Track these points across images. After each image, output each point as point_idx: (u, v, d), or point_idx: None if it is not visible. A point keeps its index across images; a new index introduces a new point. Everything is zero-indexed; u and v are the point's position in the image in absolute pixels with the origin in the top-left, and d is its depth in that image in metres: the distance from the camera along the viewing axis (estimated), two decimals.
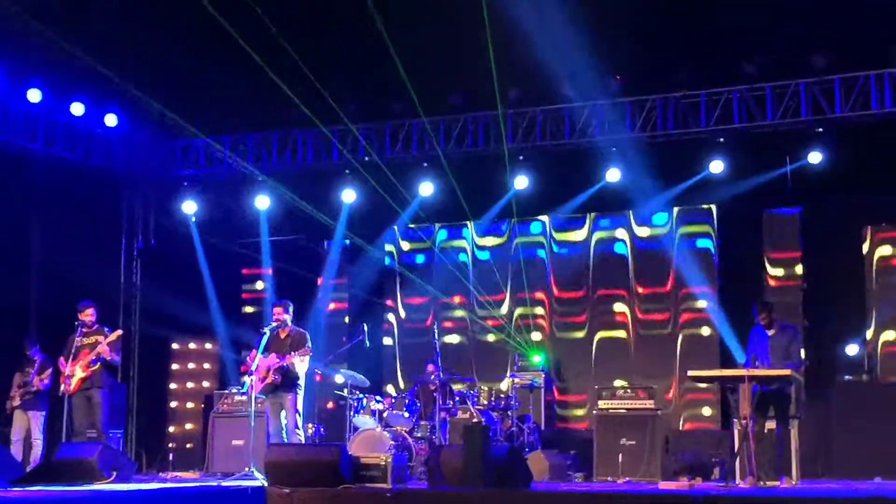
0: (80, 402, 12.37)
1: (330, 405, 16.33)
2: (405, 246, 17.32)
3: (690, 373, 11.50)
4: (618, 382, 14.36)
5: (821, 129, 14.04)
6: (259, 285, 17.74)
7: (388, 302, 17.29)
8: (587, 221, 16.30)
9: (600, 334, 16.06)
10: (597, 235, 16.27)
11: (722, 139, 14.53)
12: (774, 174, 14.49)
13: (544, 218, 16.47)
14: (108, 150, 16.38)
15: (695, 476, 11.69)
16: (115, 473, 10.14)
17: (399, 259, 17.28)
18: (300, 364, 11.88)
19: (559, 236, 16.46)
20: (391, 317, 17.30)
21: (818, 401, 13.48)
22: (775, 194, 14.70)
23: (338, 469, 9.71)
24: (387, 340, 17.20)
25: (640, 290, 15.89)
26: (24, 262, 15.76)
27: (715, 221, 15.52)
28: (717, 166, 14.74)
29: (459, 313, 16.83)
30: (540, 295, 16.37)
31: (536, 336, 16.15)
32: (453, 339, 16.69)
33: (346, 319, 17.44)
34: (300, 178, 16.34)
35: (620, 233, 16.14)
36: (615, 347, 15.94)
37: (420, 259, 17.23)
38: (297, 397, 12.00)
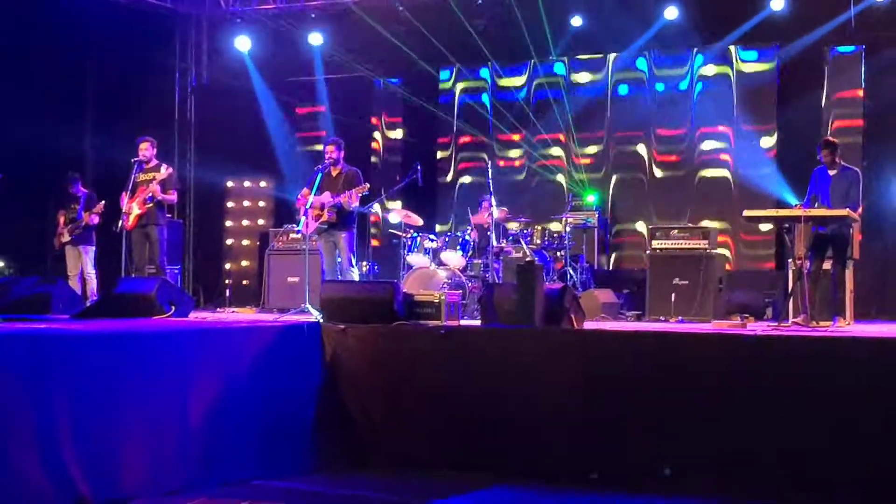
0: (139, 239, 12.54)
1: (375, 243, 16.44)
2: (461, 85, 17.11)
3: (746, 212, 11.38)
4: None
5: None
6: (313, 123, 17.69)
7: (443, 139, 17.18)
8: (647, 60, 16.02)
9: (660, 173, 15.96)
10: (659, 73, 16.01)
11: None
12: (838, 14, 14.12)
13: (610, 56, 16.21)
14: None
15: (747, 315, 11.69)
16: (173, 308, 10.26)
17: (455, 97, 17.09)
18: (354, 202, 11.90)
19: (619, 75, 16.21)
20: (445, 154, 17.22)
21: (875, 242, 13.38)
22: (838, 33, 14.35)
23: (392, 306, 9.78)
24: (441, 179, 17.16)
25: (700, 129, 15.71)
26: (79, 103, 15.82)
27: (776, 60, 15.20)
28: (778, 3, 14.40)
29: (515, 152, 16.72)
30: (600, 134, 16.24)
31: (594, 175, 16.05)
32: (508, 177, 16.61)
33: (400, 158, 17.41)
34: (353, 14, 16.12)
35: (678, 71, 15.88)
36: (674, 187, 15.85)
37: (477, 98, 17.01)
38: (351, 235, 12.07)
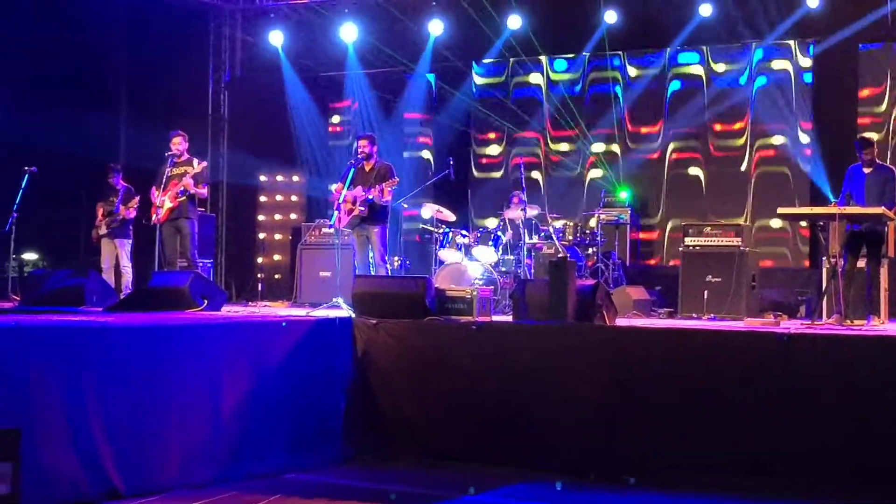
0: (169, 232, 12.58)
1: (403, 239, 16.42)
2: (491, 80, 17.03)
3: (780, 210, 11.32)
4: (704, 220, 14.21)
5: None
6: (345, 118, 17.70)
7: (478, 135, 17.14)
8: (665, 57, 15.93)
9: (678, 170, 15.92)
10: (675, 71, 15.92)
11: None
12: (872, 11, 14.02)
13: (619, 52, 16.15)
14: None
15: (781, 314, 11.62)
16: (206, 302, 10.29)
17: (488, 93, 17.03)
18: (387, 196, 11.90)
19: (634, 71, 16.13)
20: (480, 150, 17.19)
21: None
22: (872, 30, 14.24)
23: (424, 301, 9.80)
24: (474, 174, 17.13)
25: (718, 127, 15.62)
26: (114, 95, 15.91)
27: (811, 57, 15.09)
28: (813, 2, 14.36)
29: (553, 147, 16.65)
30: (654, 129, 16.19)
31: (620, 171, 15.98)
32: (541, 174, 16.56)
33: (432, 153, 17.40)
34: (387, 8, 16.12)
35: (696, 69, 15.80)
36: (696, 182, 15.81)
37: (513, 93, 16.94)
38: (384, 230, 12.06)
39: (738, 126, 15.48)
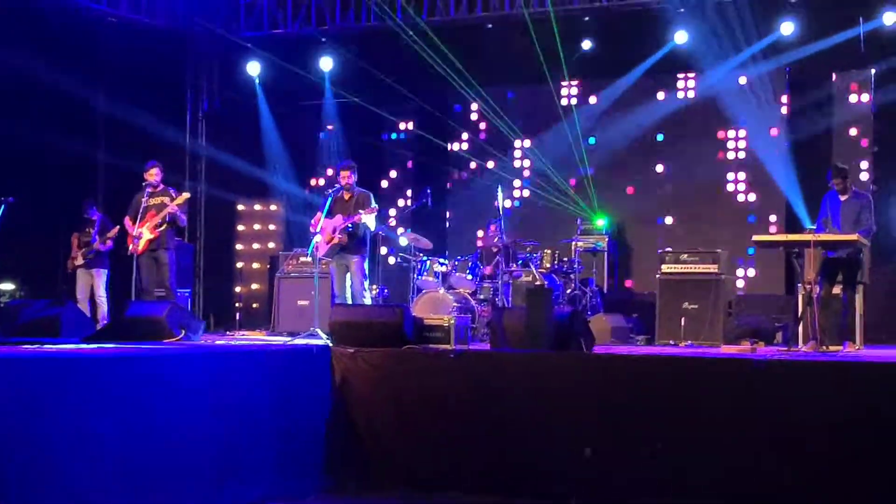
0: (147, 263, 12.53)
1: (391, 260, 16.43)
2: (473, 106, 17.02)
3: (756, 237, 11.41)
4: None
5: None
6: (323, 147, 17.72)
7: (456, 164, 17.16)
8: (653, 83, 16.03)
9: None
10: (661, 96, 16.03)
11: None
12: (846, 35, 14.15)
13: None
14: (173, 11, 16.29)
15: (757, 340, 11.67)
16: (183, 332, 10.29)
17: (465, 122, 17.06)
18: (368, 221, 11.91)
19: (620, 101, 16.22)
20: (457, 177, 17.21)
21: (885, 266, 13.35)
22: (846, 56, 14.37)
23: (401, 329, 9.82)
24: (450, 203, 17.16)
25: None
26: (91, 124, 15.88)
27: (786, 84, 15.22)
28: (787, 28, 14.49)
29: (520, 176, 16.71)
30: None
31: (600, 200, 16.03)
32: (516, 201, 16.63)
33: (410, 182, 17.44)
34: (364, 38, 16.17)
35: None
36: None
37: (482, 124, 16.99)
38: (363, 259, 12.08)
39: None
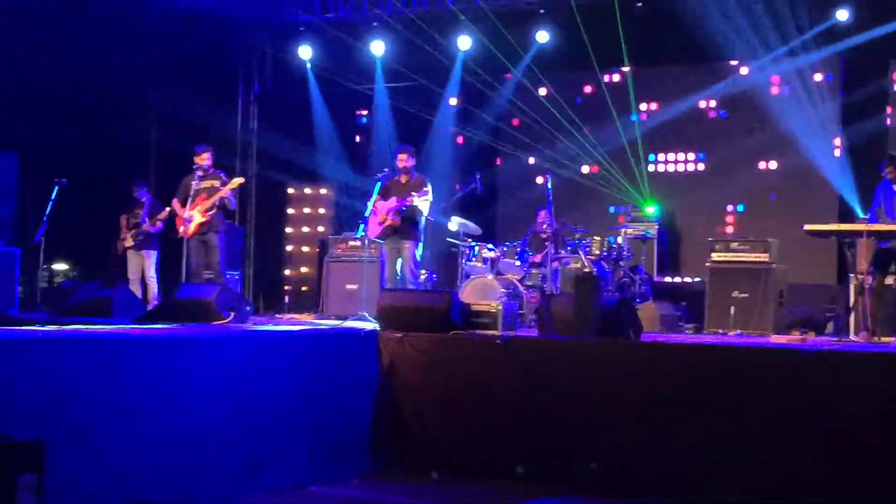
0: (197, 246, 12.60)
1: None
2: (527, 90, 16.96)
3: (807, 227, 11.28)
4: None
5: None
6: (373, 131, 17.75)
7: (505, 149, 17.12)
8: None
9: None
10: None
11: None
12: None
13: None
14: None
15: (807, 330, 11.56)
16: (232, 314, 10.35)
17: (516, 107, 17.00)
18: (422, 205, 11.92)
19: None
20: (507, 163, 17.20)
21: None
22: None
23: (449, 315, 9.82)
24: (500, 188, 17.15)
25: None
26: (144, 108, 16.02)
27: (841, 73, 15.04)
28: (842, 15, 14.31)
29: (573, 162, 16.64)
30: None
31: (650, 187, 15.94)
32: (566, 187, 16.54)
33: (459, 167, 17.42)
34: (415, 22, 16.17)
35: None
36: None
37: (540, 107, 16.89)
38: (416, 245, 12.10)
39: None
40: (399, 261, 12.07)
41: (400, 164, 12.16)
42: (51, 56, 14.13)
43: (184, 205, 12.54)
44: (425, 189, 11.96)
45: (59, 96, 14.27)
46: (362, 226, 11.97)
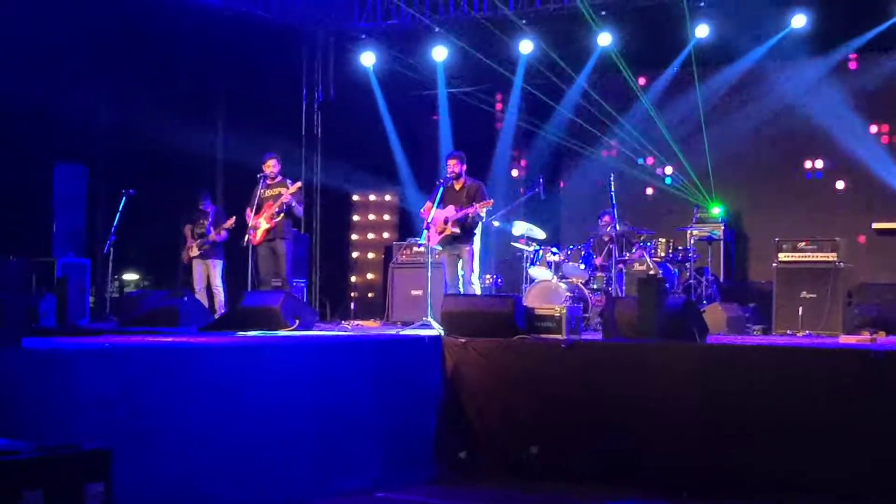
0: (264, 253, 12.73)
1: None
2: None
3: (876, 224, 11.15)
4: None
5: None
6: (436, 137, 17.78)
7: (569, 152, 17.07)
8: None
9: None
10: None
11: None
12: None
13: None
14: (288, 4, 16.49)
15: (877, 330, 11.40)
16: (297, 321, 10.42)
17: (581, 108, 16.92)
18: (480, 213, 11.94)
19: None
20: (571, 167, 17.15)
21: None
22: None
23: (513, 319, 9.81)
24: (564, 192, 17.10)
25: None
26: (210, 117, 16.17)
27: None
28: None
29: (637, 164, 16.57)
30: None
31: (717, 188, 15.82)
32: (631, 190, 16.45)
33: (523, 171, 17.41)
34: (477, 28, 16.18)
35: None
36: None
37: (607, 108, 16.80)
38: (474, 249, 12.11)
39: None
40: (459, 263, 12.08)
41: (450, 171, 12.16)
42: (118, 69, 14.34)
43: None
44: (487, 198, 11.96)
45: (128, 108, 14.44)
46: (424, 232, 12.01)
